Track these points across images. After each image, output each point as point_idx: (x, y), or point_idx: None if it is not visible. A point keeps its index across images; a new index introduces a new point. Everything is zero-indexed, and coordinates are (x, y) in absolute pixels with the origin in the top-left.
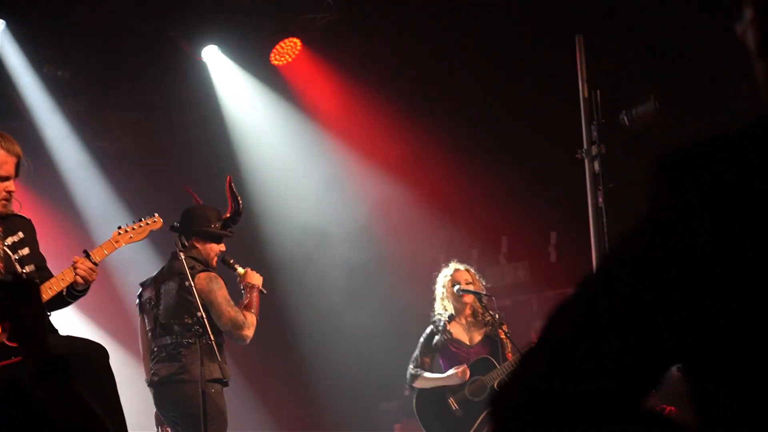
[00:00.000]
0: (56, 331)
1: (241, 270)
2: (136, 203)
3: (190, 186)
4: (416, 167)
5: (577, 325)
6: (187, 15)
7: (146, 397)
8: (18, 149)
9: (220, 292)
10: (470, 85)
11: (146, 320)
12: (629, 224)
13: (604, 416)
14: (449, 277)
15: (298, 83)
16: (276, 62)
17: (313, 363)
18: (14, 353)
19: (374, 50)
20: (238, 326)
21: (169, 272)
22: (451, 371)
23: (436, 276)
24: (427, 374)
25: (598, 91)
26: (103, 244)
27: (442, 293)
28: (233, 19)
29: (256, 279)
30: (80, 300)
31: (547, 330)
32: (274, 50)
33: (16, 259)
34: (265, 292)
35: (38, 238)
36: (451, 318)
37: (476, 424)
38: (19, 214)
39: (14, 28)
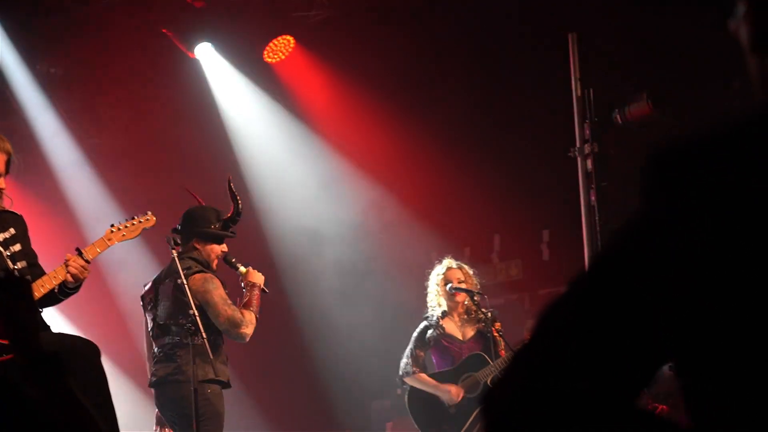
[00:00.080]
0: (48, 327)
1: (243, 269)
2: (129, 201)
3: (183, 183)
4: (408, 165)
5: (569, 324)
6: (181, 12)
7: (135, 395)
8: (8, 146)
9: (215, 291)
10: (463, 84)
11: (147, 320)
12: (621, 222)
13: (596, 416)
14: (441, 276)
15: (291, 81)
16: (269, 60)
17: (304, 362)
18: (5, 350)
19: (367, 48)
20: (236, 324)
21: (167, 272)
22: (446, 387)
23: (429, 274)
24: (422, 375)
25: (591, 90)
26: (95, 242)
27: (435, 291)
28: (227, 16)
29: (257, 278)
30: (72, 297)
31: (538, 329)
32: (268, 48)
33: (7, 255)
34: (267, 291)
35: (30, 235)
36: (444, 314)
37: (469, 421)
38: (11, 210)
39: (7, 25)
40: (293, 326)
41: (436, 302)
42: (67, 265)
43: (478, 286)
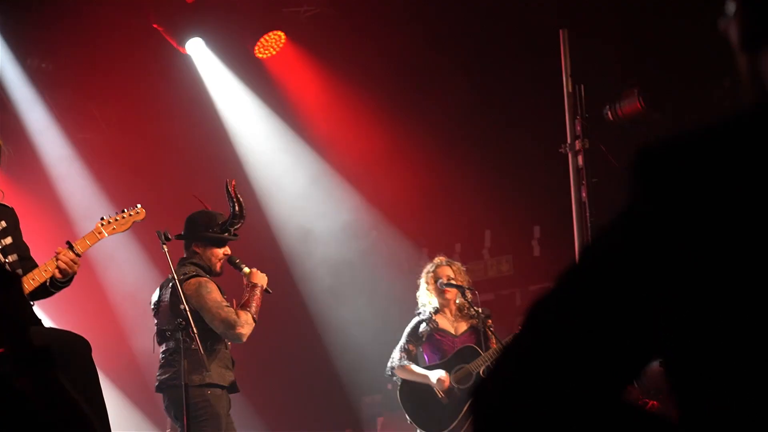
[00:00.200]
0: (39, 322)
1: (246, 269)
2: (120, 195)
3: (172, 179)
4: (399, 161)
5: (557, 319)
6: (171, 7)
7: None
8: None
9: (209, 296)
10: (455, 80)
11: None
12: (609, 218)
13: (585, 410)
14: (431, 273)
15: (282, 76)
16: (260, 55)
17: (295, 358)
18: None
19: (358, 44)
20: (231, 326)
21: (170, 278)
22: (434, 373)
23: (420, 271)
24: (411, 366)
25: (582, 86)
26: (86, 235)
27: (426, 288)
28: (217, 11)
29: (260, 278)
30: (61, 292)
31: (526, 324)
32: (258, 43)
33: None
34: (270, 291)
35: (21, 229)
36: (436, 310)
37: (463, 412)
38: (2, 203)
39: None
40: (283, 323)
41: (427, 299)
42: (57, 259)
43: (471, 283)
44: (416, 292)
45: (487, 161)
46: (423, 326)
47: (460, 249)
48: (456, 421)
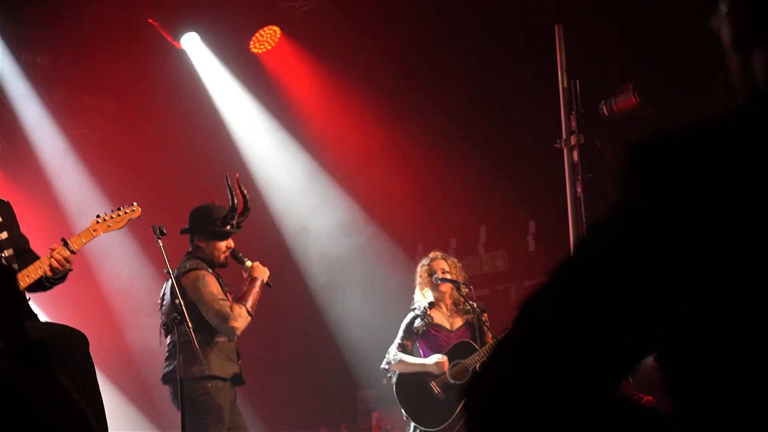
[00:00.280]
0: (35, 316)
1: (249, 263)
2: (115, 191)
3: (168, 175)
4: (395, 156)
5: (549, 314)
6: (167, 2)
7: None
8: None
9: (205, 289)
10: (451, 77)
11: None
12: (603, 213)
13: (579, 407)
14: (426, 266)
15: (277, 72)
16: (255, 50)
17: (291, 353)
18: None
19: (354, 39)
20: (224, 318)
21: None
22: (431, 358)
23: (416, 266)
24: (407, 358)
25: (578, 81)
26: (81, 233)
27: (421, 282)
28: (213, 6)
29: (260, 272)
30: (56, 289)
31: (519, 319)
32: (254, 38)
33: None
34: (270, 285)
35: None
36: (431, 305)
37: (459, 408)
38: None
39: None
40: (279, 319)
41: (422, 294)
42: (51, 256)
43: (467, 278)
44: (411, 287)
45: (483, 157)
46: (418, 321)
47: (455, 244)
48: (452, 417)
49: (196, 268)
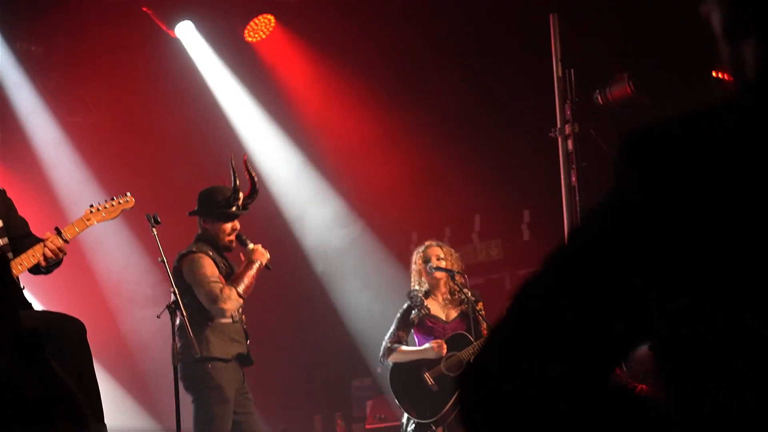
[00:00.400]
0: (30, 306)
1: (251, 246)
2: (108, 178)
3: (161, 163)
4: (389, 145)
5: (543, 303)
6: None
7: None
8: None
9: (198, 271)
10: (445, 64)
11: None
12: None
13: (573, 395)
14: (421, 253)
15: (271, 61)
16: (249, 39)
17: (285, 342)
18: None
19: (348, 28)
20: (213, 300)
21: None
22: (427, 345)
23: (410, 255)
24: (403, 347)
25: (572, 70)
26: (74, 222)
27: (416, 269)
28: None
29: (259, 255)
30: (50, 278)
31: (512, 307)
32: (248, 27)
33: None
34: (269, 268)
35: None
36: (427, 294)
37: (453, 399)
38: None
39: None
40: (273, 308)
41: (417, 282)
42: (44, 246)
43: (462, 267)
44: (406, 277)
45: (477, 146)
46: (414, 312)
47: (449, 233)
48: (445, 409)
49: (194, 251)
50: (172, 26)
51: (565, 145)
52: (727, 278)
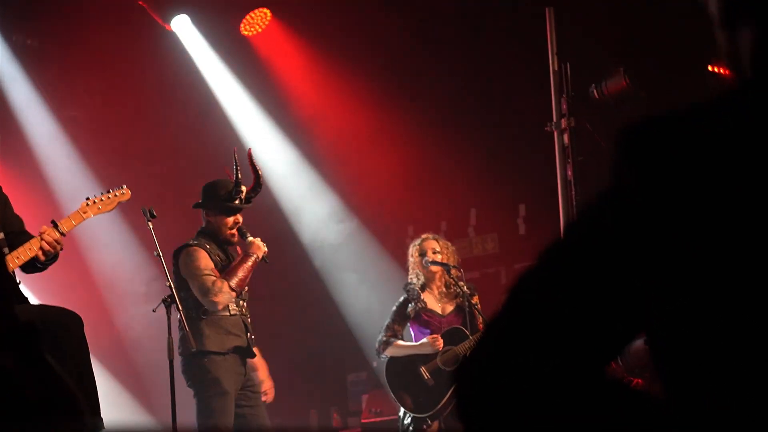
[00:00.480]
0: (26, 300)
1: (250, 239)
2: (105, 172)
3: (157, 157)
4: (385, 139)
5: (539, 297)
6: None
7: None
8: None
9: (192, 264)
10: (441, 59)
11: None
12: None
13: (568, 389)
14: (417, 246)
15: (267, 55)
16: (245, 33)
17: (280, 336)
18: None
19: (344, 22)
20: (204, 292)
21: None
22: (424, 339)
23: (406, 249)
24: (399, 342)
25: (568, 64)
26: (71, 215)
27: (413, 262)
28: None
29: (255, 248)
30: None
31: (508, 301)
32: (244, 20)
33: None
34: (267, 261)
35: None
36: (423, 287)
37: (449, 394)
38: None
39: None
40: (269, 302)
41: (414, 275)
42: (41, 239)
43: (459, 260)
44: (402, 271)
45: (473, 140)
46: (410, 305)
47: (445, 227)
48: (441, 404)
49: (190, 244)
50: (168, 20)
51: (561, 140)
52: (723, 272)
